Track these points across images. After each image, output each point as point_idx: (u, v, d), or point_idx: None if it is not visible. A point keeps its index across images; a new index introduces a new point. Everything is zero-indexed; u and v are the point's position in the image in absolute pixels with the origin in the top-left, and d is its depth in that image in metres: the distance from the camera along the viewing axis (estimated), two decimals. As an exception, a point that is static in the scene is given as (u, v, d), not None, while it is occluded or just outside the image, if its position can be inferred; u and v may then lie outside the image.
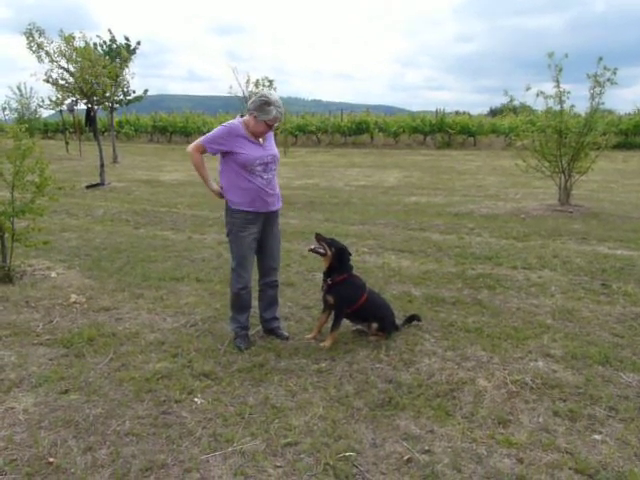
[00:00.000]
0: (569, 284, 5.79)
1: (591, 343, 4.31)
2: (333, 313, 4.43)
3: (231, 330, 4.45)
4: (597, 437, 3.12)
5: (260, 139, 4.16)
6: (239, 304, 4.40)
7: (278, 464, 2.88)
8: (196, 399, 3.53)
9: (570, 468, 2.85)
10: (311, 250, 4.46)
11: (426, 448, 3.02)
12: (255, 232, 4.24)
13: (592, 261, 6.64)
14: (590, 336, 4.46)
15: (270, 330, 4.56)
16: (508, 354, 4.16)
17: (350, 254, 4.49)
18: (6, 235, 5.97)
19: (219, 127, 4.16)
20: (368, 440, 3.10)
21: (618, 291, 5.53)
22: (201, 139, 4.18)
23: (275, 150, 4.29)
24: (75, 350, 4.28)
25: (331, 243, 4.39)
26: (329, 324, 4.42)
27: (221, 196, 4.28)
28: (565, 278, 6.00)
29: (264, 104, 3.99)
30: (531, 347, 4.27)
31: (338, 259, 4.35)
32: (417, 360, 4.07)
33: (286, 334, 4.51)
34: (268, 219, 4.32)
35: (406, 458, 2.93)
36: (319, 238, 4.41)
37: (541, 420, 3.29)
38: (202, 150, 4.17)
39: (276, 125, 4.21)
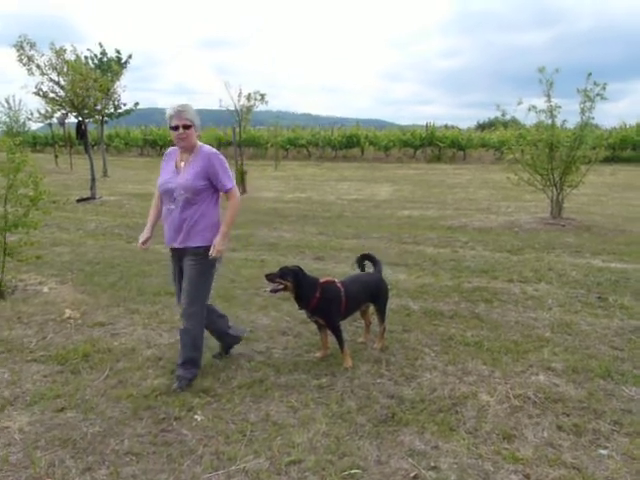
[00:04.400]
0: (566, 297, 5.80)
1: (591, 356, 4.30)
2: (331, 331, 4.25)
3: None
4: (603, 452, 3.09)
5: (182, 163, 3.85)
6: None
7: (283, 483, 2.83)
8: (196, 416, 3.47)
9: (578, 484, 2.82)
10: (273, 292, 4.15)
11: (432, 464, 2.98)
12: (172, 266, 4.06)
13: (587, 274, 6.66)
14: (590, 349, 4.45)
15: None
16: (509, 368, 4.14)
17: (301, 270, 4.15)
18: (-2, 249, 5.88)
19: None
20: (373, 457, 3.05)
21: (615, 304, 5.54)
22: None
23: (190, 181, 3.75)
24: (70, 366, 4.20)
25: (283, 274, 4.06)
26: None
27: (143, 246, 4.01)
28: (561, 291, 6.01)
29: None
30: (532, 361, 4.26)
31: (299, 283, 4.06)
32: (418, 375, 4.04)
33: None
34: (179, 258, 3.96)
35: (412, 475, 2.89)
36: (271, 278, 4.08)
37: (546, 435, 3.27)
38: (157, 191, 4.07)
39: (180, 127, 3.74)
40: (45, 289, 6.17)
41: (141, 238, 4.00)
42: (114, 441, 3.20)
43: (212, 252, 3.76)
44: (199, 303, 3.92)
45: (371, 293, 4.49)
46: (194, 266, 3.85)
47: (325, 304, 4.12)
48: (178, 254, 3.95)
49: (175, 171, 3.86)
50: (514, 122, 11.20)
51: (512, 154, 10.75)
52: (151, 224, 4.04)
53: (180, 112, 3.74)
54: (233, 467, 2.96)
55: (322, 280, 4.23)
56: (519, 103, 9.81)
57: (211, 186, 3.83)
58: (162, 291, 6.02)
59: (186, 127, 3.75)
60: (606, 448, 3.12)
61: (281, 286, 4.06)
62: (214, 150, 3.90)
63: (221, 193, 3.91)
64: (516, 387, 3.84)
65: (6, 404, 3.63)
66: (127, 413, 3.51)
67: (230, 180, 3.86)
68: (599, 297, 5.78)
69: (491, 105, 10.70)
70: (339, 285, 4.24)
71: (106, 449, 3.12)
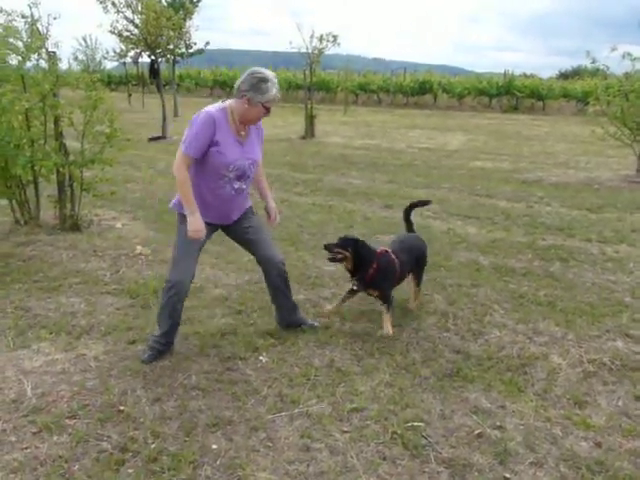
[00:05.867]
0: (649, 261, 5.46)
1: (676, 325, 4.05)
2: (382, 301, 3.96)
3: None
4: (683, 425, 2.93)
5: (242, 133, 3.35)
6: None
7: (345, 429, 2.83)
8: (261, 357, 3.52)
9: (654, 457, 2.68)
10: (331, 260, 3.97)
11: (497, 424, 2.91)
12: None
13: (674, 237, 6.23)
14: (674, 318, 4.18)
15: None
16: (583, 331, 3.95)
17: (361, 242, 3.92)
18: (75, 184, 6.08)
19: (196, 118, 3.26)
20: (436, 411, 3.00)
21: (703, 271, 5.17)
22: (182, 147, 3.23)
23: (259, 155, 3.49)
24: (141, 301, 4.34)
25: (343, 244, 3.85)
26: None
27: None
28: (645, 254, 5.66)
29: (260, 81, 3.18)
30: (609, 325, 4.04)
31: (358, 254, 3.83)
32: (486, 331, 3.92)
33: None
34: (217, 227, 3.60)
35: (477, 432, 2.83)
36: (329, 247, 3.89)
37: (621, 404, 3.11)
38: (188, 161, 3.23)
39: (269, 110, 3.31)
40: (118, 224, 6.37)
41: (199, 226, 3.26)
42: (182, 376, 3.29)
43: (277, 218, 3.78)
44: None
45: (416, 259, 4.23)
46: (256, 218, 3.68)
47: (381, 276, 3.88)
48: (218, 227, 3.59)
49: (238, 144, 3.33)
50: (602, 71, 10.42)
51: (599, 105, 10.05)
52: (197, 207, 3.27)
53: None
54: (296, 410, 2.98)
55: (378, 250, 3.98)
56: (613, 50, 9.07)
57: None
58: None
59: None
60: (687, 422, 2.95)
61: (340, 256, 3.85)
62: None
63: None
64: (590, 351, 3.67)
65: (83, 332, 3.80)
66: (194, 350, 3.60)
67: None
68: (686, 262, 5.40)
69: (579, 52, 9.96)
70: (393, 256, 3.97)
71: (174, 382, 3.22)
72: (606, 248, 5.84)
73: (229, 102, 3.33)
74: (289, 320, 3.89)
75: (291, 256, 5.39)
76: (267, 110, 3.27)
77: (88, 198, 6.27)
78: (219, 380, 3.27)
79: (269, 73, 3.25)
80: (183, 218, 3.34)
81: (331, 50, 16.14)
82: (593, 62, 9.68)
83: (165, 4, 20.17)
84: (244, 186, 3.44)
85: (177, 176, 3.21)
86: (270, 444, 2.73)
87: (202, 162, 3.27)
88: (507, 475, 2.55)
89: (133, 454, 2.62)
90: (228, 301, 4.37)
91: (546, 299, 4.49)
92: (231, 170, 3.30)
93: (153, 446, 2.66)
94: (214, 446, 2.70)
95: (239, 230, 3.61)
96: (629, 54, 9.10)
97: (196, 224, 3.25)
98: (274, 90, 3.21)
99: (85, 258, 5.26)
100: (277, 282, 3.75)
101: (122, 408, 2.94)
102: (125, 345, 3.64)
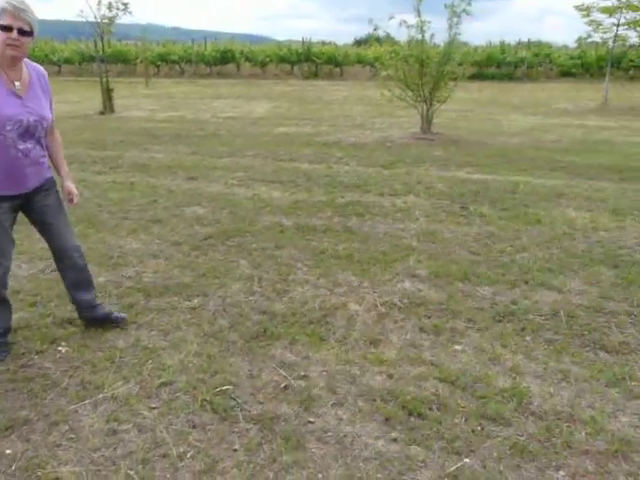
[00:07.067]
0: (432, 208, 6.09)
1: (452, 262, 4.59)
2: None
3: None
4: (458, 347, 3.35)
5: (18, 83, 2.90)
6: None
7: (153, 405, 2.79)
8: (60, 348, 3.30)
9: (435, 378, 3.04)
10: None
11: (302, 374, 3.07)
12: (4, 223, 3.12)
13: (452, 186, 7.01)
14: (451, 255, 4.74)
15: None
16: (377, 277, 4.31)
17: None
18: None
19: None
20: (244, 372, 3.09)
21: (475, 212, 5.91)
22: None
23: (47, 110, 3.06)
24: None
25: None
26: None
27: None
28: (428, 202, 6.30)
29: None
30: (398, 269, 4.46)
31: None
32: (290, 289, 4.10)
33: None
34: (19, 204, 3.18)
35: (283, 386, 2.96)
36: None
37: (409, 337, 3.47)
38: None
39: (14, 29, 2.70)
40: None
41: None
42: (-36, 384, 2.98)
43: (75, 198, 3.43)
44: None
45: None
46: (56, 197, 3.30)
47: None
48: (19, 200, 3.14)
49: (14, 96, 2.88)
50: (389, 38, 11.23)
51: (385, 70, 10.84)
52: None
53: (20, 10, 2.70)
54: (100, 395, 2.87)
55: None
56: (390, 18, 9.80)
57: None
58: (22, 220, 5.53)
59: (24, 33, 2.74)
60: (460, 344, 3.39)
61: None
62: (41, 67, 3.11)
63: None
64: (383, 295, 4.02)
65: None
66: (-20, 351, 3.26)
67: None
68: (462, 207, 6.13)
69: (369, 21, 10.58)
70: None
71: (-46, 393, 2.90)
72: (396, 200, 6.40)
73: None
74: (93, 316, 3.56)
75: (91, 238, 5.09)
76: (4, 29, 2.69)
77: None
78: (12, 380, 3.00)
79: None
80: None
81: (126, 19, 15.25)
82: (375, 29, 10.37)
83: None
84: (30, 146, 2.99)
85: None
86: (73, 436, 2.59)
87: None
88: (311, 419, 2.72)
89: None
90: (20, 294, 4.00)
91: (344, 252, 4.80)
92: (10, 129, 2.85)
93: None
94: (8, 451, 2.49)
95: (37, 208, 3.23)
96: (405, 22, 9.90)
97: None
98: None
99: None
100: (76, 275, 3.45)
101: None
102: None
